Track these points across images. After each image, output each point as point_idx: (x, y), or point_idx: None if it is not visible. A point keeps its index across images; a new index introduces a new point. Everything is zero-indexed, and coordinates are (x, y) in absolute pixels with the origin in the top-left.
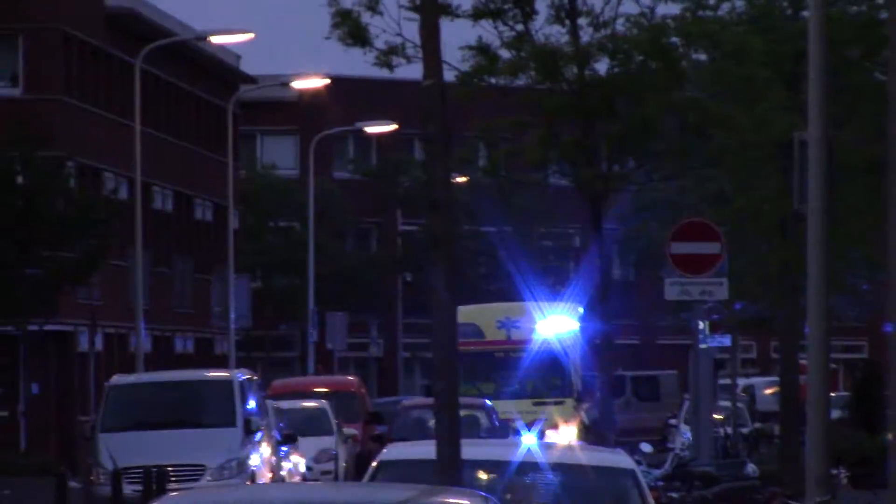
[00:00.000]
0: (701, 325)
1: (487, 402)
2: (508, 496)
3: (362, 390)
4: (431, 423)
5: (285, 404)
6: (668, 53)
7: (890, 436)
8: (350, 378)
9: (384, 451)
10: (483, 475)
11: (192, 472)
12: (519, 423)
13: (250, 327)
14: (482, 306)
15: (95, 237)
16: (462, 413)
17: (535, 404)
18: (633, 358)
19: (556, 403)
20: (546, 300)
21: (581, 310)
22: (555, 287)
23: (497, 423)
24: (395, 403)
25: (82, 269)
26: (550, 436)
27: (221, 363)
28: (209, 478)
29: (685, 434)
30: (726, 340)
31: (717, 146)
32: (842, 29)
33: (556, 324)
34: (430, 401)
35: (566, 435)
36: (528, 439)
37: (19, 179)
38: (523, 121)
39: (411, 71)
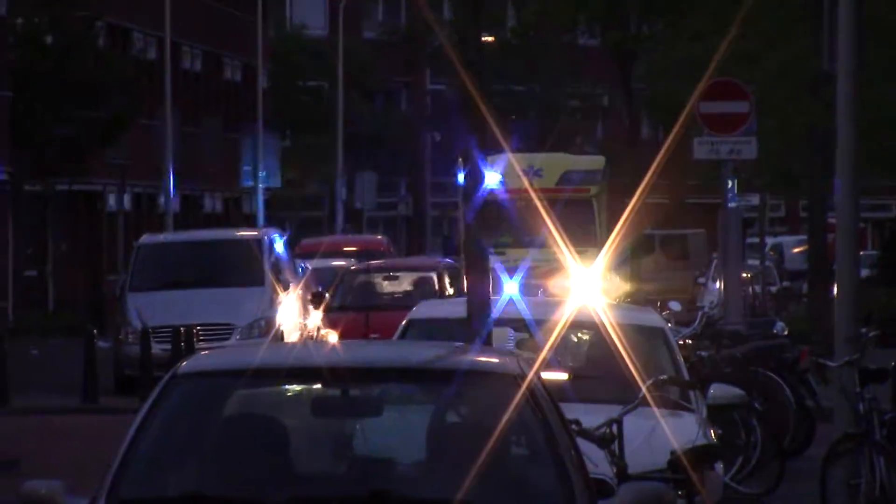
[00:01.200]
0: (729, 183)
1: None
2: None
3: (391, 249)
4: (377, 288)
5: (315, 263)
6: None
7: None
8: (379, 237)
9: (415, 308)
10: (513, 333)
11: (221, 332)
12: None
13: (279, 187)
14: (504, 154)
15: (124, 97)
16: (416, 275)
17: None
18: (662, 217)
19: (579, 254)
20: (571, 153)
21: (604, 162)
22: (582, 146)
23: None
24: None
25: (111, 129)
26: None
27: (250, 222)
28: (238, 337)
29: (714, 292)
30: (754, 199)
31: (747, 4)
32: None
33: (580, 175)
34: (378, 264)
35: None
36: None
37: (49, 40)
38: None
39: None
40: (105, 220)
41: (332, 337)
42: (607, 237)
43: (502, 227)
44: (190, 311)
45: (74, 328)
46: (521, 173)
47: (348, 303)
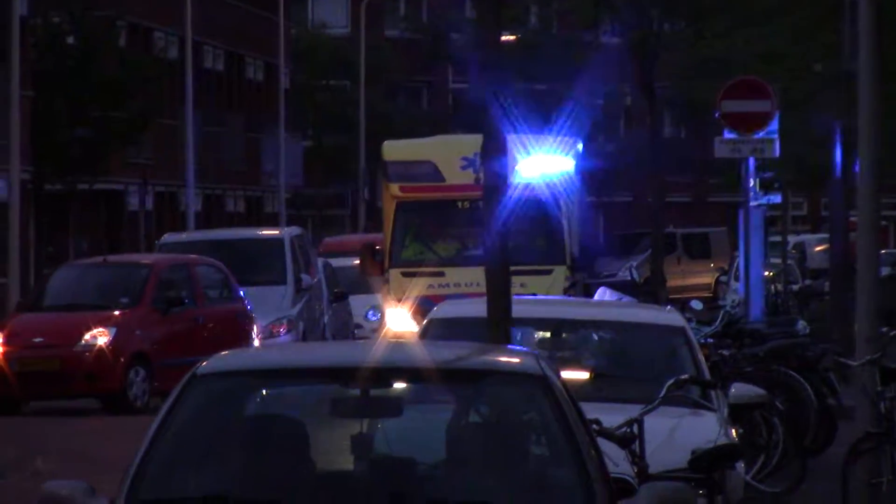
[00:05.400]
0: (751, 182)
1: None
2: (558, 354)
3: None
4: (76, 286)
5: (336, 262)
6: None
7: None
8: None
9: (435, 308)
10: (534, 333)
11: None
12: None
13: (301, 186)
14: (442, 138)
15: (146, 97)
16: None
17: (512, 273)
18: (685, 215)
19: (540, 273)
20: (535, 133)
21: (580, 147)
22: (601, 147)
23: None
24: None
25: (133, 128)
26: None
27: (272, 221)
28: (260, 335)
29: (736, 291)
30: (777, 198)
31: (766, 2)
32: None
33: (545, 164)
34: (91, 261)
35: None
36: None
37: (70, 40)
38: None
39: None
40: (126, 219)
41: None
42: (578, 244)
43: (438, 235)
44: None
45: None
46: (460, 166)
47: (40, 302)
